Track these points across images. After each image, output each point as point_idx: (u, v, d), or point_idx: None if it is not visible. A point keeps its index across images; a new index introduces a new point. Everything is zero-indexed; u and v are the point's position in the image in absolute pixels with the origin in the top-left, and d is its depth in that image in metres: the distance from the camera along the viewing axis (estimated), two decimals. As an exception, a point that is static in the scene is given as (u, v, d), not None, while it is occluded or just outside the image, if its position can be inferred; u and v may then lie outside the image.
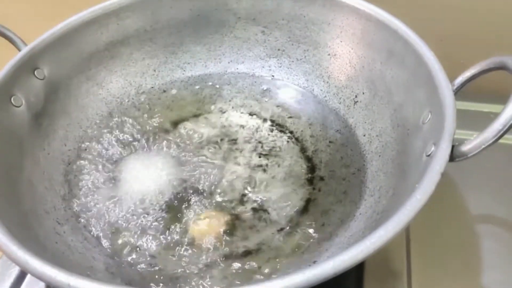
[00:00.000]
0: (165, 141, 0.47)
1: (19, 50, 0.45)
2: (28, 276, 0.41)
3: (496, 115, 0.32)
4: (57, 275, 0.28)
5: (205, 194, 0.42)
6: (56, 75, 0.46)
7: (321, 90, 0.50)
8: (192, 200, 0.42)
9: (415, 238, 0.41)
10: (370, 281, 0.38)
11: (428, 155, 0.34)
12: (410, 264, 0.39)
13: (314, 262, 0.37)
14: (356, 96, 0.48)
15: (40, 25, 0.47)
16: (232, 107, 0.51)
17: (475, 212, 0.43)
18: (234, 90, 0.52)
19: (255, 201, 0.41)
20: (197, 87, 0.53)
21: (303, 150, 0.46)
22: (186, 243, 0.39)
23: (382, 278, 0.39)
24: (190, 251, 0.38)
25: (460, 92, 0.39)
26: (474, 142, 0.32)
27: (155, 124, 0.49)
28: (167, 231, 0.40)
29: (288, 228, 0.40)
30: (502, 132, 0.31)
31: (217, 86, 0.53)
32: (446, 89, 0.35)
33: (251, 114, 0.50)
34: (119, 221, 0.41)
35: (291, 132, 0.48)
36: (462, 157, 0.33)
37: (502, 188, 0.44)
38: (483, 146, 0.32)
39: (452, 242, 0.41)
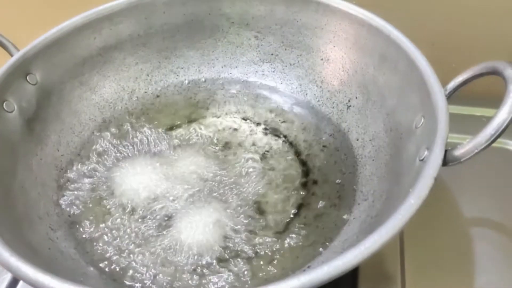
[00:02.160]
0: (158, 146, 0.47)
1: (11, 55, 0.45)
2: (21, 283, 0.41)
3: (488, 118, 0.32)
4: (50, 282, 0.28)
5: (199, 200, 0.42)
6: (48, 80, 0.46)
7: (314, 94, 0.51)
8: (188, 209, 0.42)
9: (409, 241, 0.41)
10: (364, 284, 0.39)
11: (421, 160, 0.34)
12: (404, 267, 0.40)
13: (308, 266, 0.37)
14: (349, 101, 0.48)
15: (33, 30, 0.46)
16: (226, 112, 0.51)
17: (469, 216, 0.44)
18: (227, 94, 0.52)
19: (249, 205, 0.41)
20: (190, 92, 0.53)
21: (297, 154, 0.46)
22: (181, 251, 0.39)
23: (376, 282, 0.39)
24: (186, 256, 0.38)
25: (452, 96, 0.39)
26: (467, 146, 0.32)
27: (148, 129, 0.49)
28: (160, 238, 0.40)
29: (282, 232, 0.40)
30: (494, 136, 0.32)
31: (211, 90, 0.53)
32: (438, 94, 0.36)
33: (244, 118, 0.50)
34: (113, 227, 0.41)
35: (284, 137, 0.48)
36: (455, 162, 0.33)
37: (495, 191, 0.45)
38: (476, 151, 0.32)
39: (446, 246, 0.41)
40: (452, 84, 0.38)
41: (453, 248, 0.41)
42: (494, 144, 0.32)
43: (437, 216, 0.42)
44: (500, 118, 0.31)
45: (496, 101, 0.33)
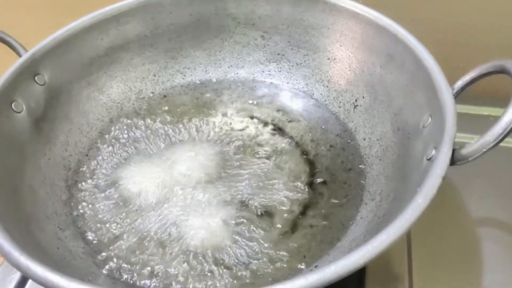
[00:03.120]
0: (165, 146, 0.47)
1: (20, 56, 0.46)
2: (29, 282, 0.41)
3: (495, 118, 0.32)
4: (59, 281, 0.28)
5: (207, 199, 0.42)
6: (56, 81, 0.46)
7: (321, 94, 0.51)
8: (196, 209, 0.42)
9: (416, 241, 0.41)
10: (372, 284, 0.38)
11: (429, 159, 0.34)
12: (412, 267, 0.39)
13: (316, 266, 0.37)
14: (356, 100, 0.48)
15: (41, 31, 0.47)
16: (232, 112, 0.51)
17: (476, 215, 0.43)
18: (234, 94, 0.52)
19: (256, 205, 0.41)
20: (197, 92, 0.53)
21: (303, 154, 0.46)
22: (188, 251, 0.39)
23: (384, 282, 0.39)
24: (192, 257, 0.38)
25: (459, 96, 0.39)
26: (475, 145, 0.32)
27: (155, 129, 0.49)
28: (167, 238, 0.40)
29: (289, 231, 0.40)
30: (503, 135, 0.31)
31: (217, 91, 0.53)
32: (446, 93, 0.36)
33: (251, 118, 0.50)
34: (121, 226, 0.41)
35: (291, 137, 0.48)
36: (463, 161, 0.33)
37: (503, 191, 0.44)
38: (484, 150, 0.32)
39: (453, 246, 0.41)
40: (459, 83, 0.38)
41: (461, 248, 0.41)
42: (502, 144, 0.32)
43: (444, 216, 0.42)
44: (508, 116, 0.31)
45: (504, 101, 0.33)
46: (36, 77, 0.44)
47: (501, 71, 0.35)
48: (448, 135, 0.33)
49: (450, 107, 0.34)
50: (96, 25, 0.49)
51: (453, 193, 0.44)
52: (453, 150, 0.32)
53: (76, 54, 0.48)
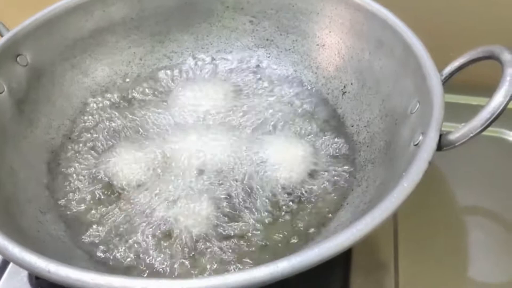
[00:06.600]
0: (151, 130, 0.46)
1: (2, 35, 0.45)
2: (10, 266, 0.40)
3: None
4: (36, 261, 0.27)
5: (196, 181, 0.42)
6: (39, 62, 0.45)
7: (309, 80, 0.50)
8: (184, 194, 0.41)
9: (403, 229, 0.41)
10: (357, 272, 0.38)
11: (416, 144, 0.34)
12: (398, 255, 0.39)
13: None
14: (344, 87, 0.47)
15: (24, 10, 0.46)
16: (220, 97, 0.50)
17: (463, 204, 0.43)
18: (221, 79, 0.52)
19: (242, 188, 0.41)
20: (184, 76, 0.52)
21: (291, 140, 0.45)
22: (172, 234, 0.38)
23: (370, 269, 0.39)
24: (176, 239, 0.38)
25: (447, 84, 0.38)
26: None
27: (140, 114, 0.48)
28: (150, 222, 0.39)
29: (274, 216, 0.39)
30: (490, 120, 0.31)
31: (204, 75, 0.52)
32: (434, 78, 0.35)
33: (238, 105, 0.49)
34: (104, 210, 0.40)
35: (279, 122, 0.47)
36: (450, 146, 0.32)
37: (489, 179, 0.44)
38: (471, 135, 0.32)
39: (440, 233, 0.41)
40: (448, 69, 0.38)
41: (447, 236, 0.41)
42: (489, 133, 0.32)
43: (431, 204, 0.42)
44: (496, 101, 0.31)
45: (491, 90, 0.32)
46: (18, 58, 0.44)
47: (490, 56, 0.35)
48: (435, 120, 0.32)
49: (438, 92, 0.34)
50: (81, 6, 0.48)
51: (440, 181, 0.45)
52: (440, 135, 0.32)
53: (60, 35, 0.47)
